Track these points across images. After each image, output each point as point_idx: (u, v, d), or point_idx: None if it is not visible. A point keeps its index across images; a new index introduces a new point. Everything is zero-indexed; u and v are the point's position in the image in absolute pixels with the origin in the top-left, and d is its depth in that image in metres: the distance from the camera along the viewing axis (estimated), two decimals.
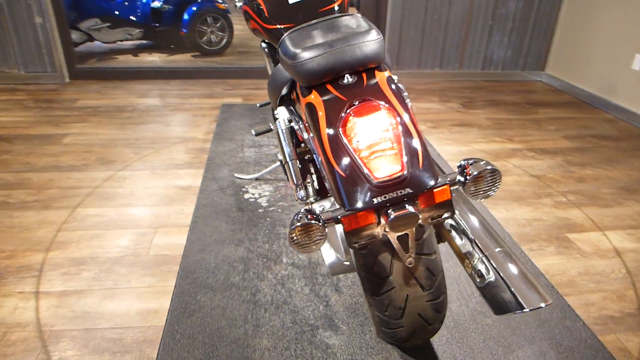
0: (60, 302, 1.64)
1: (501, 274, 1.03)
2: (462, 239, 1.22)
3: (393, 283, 0.99)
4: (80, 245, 1.95)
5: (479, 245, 1.17)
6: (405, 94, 0.97)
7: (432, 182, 0.84)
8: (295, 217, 0.81)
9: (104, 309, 1.61)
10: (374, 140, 0.84)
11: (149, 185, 2.46)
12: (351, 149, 0.84)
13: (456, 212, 0.96)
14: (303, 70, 0.95)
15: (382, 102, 0.89)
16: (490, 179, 0.89)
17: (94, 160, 2.74)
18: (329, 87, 0.96)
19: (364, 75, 0.99)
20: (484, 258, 1.12)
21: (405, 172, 0.83)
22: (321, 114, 0.88)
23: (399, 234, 0.87)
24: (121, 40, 5.34)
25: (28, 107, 3.57)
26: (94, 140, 3.03)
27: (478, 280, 1.08)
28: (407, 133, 0.87)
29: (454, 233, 1.26)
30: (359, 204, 0.82)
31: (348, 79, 0.98)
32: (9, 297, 1.67)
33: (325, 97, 0.94)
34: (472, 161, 0.88)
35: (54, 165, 2.67)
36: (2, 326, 1.53)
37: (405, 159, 0.84)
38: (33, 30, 3.94)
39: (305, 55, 0.94)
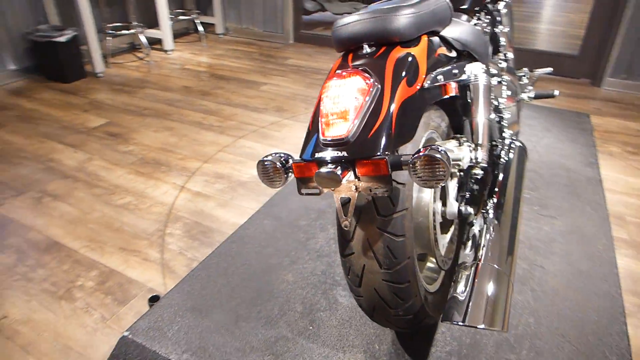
0: (192, 197, 2.18)
1: (474, 287, 0.98)
2: (469, 242, 1.15)
3: (353, 248, 1.04)
4: (226, 165, 2.49)
5: (474, 252, 1.10)
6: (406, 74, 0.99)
7: (368, 153, 0.87)
8: (263, 158, 0.95)
9: (214, 212, 2.07)
10: (337, 103, 0.91)
11: (299, 135, 2.85)
12: (319, 108, 0.94)
13: (392, 191, 0.91)
14: (333, 37, 1.07)
15: (366, 73, 0.94)
16: (430, 168, 0.85)
17: (272, 107, 3.30)
18: (349, 55, 1.05)
19: (383, 48, 1.04)
20: (471, 267, 1.06)
21: (348, 137, 0.88)
22: (329, 77, 0.99)
23: (342, 195, 0.93)
24: (348, 13, 5.90)
25: (253, 59, 4.43)
26: (281, 91, 3.61)
27: (452, 284, 1.04)
28: (373, 105, 0.91)
29: (470, 233, 1.19)
30: (304, 156, 0.91)
31: (366, 49, 1.05)
32: (166, 183, 2.30)
33: (340, 63, 1.03)
34: (432, 146, 0.86)
35: (244, 104, 3.33)
36: (152, 200, 2.16)
37: (354, 125, 0.88)
38: None
39: (338, 22, 1.05)
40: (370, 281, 1.03)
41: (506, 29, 1.96)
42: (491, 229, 1.16)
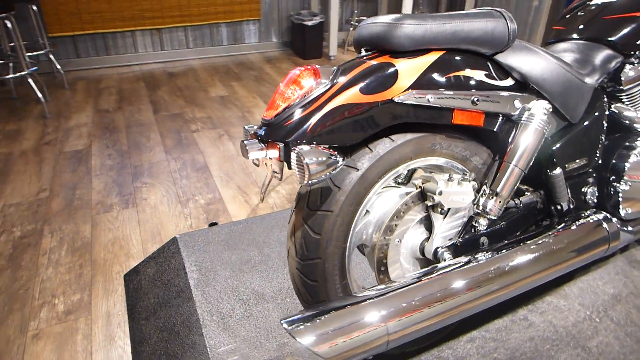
0: None
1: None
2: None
3: (289, 228, 1.11)
4: None
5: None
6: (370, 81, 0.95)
7: (274, 137, 0.93)
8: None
9: None
10: (282, 91, 0.99)
11: None
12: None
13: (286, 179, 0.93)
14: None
15: (320, 72, 0.97)
16: (299, 166, 0.83)
17: None
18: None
19: (375, 54, 1.03)
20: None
21: (271, 120, 0.95)
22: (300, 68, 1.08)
23: (270, 171, 1.02)
24: None
25: None
26: None
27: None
28: (309, 100, 0.93)
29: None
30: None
31: (363, 52, 1.06)
32: None
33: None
34: (316, 148, 0.88)
35: None
36: None
37: (278, 112, 0.94)
38: (527, 11, 4.42)
39: (361, 22, 1.11)
40: (291, 265, 1.10)
41: None
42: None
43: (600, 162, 1.39)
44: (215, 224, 1.94)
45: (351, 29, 4.75)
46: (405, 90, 0.98)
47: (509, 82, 1.11)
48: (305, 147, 0.89)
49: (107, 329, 1.53)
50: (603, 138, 1.34)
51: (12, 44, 3.43)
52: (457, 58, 1.05)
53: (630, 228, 1.40)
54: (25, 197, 2.23)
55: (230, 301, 1.47)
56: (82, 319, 1.56)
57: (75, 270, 1.78)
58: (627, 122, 1.41)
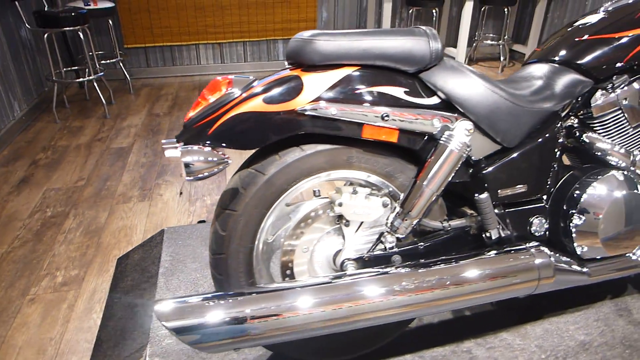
0: None
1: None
2: None
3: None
4: None
5: None
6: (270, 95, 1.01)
7: (181, 137, 1.00)
8: None
9: None
10: (203, 97, 1.08)
11: None
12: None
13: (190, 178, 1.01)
14: None
15: (236, 81, 1.04)
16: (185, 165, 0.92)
17: None
18: None
19: (291, 68, 1.09)
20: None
21: (186, 122, 1.05)
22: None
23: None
24: None
25: None
26: None
27: None
28: (217, 106, 1.00)
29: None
30: None
31: (285, 64, 1.13)
32: None
33: None
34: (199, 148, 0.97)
35: None
36: None
37: (193, 115, 1.02)
38: None
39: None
40: (209, 257, 1.18)
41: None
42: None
43: (554, 192, 1.29)
44: (204, 221, 2.08)
45: None
46: (311, 102, 1.03)
47: (434, 100, 1.10)
48: (191, 147, 0.98)
49: (89, 302, 1.72)
50: (555, 166, 1.25)
51: (90, 53, 3.97)
52: (372, 74, 1.07)
53: (585, 269, 1.27)
54: (65, 183, 2.56)
55: (187, 291, 1.59)
56: (72, 292, 1.77)
57: (82, 249, 2.02)
58: (596, 152, 1.29)
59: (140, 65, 4.41)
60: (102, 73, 3.52)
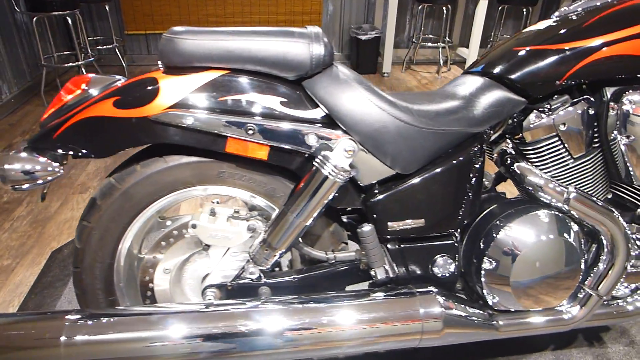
0: None
1: None
2: None
3: None
4: None
5: None
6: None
7: (30, 142, 0.93)
8: None
9: None
10: (60, 96, 0.98)
11: None
12: None
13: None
14: None
15: (95, 80, 0.95)
16: None
17: None
18: None
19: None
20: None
21: (41, 122, 0.96)
22: None
23: None
24: None
25: None
26: None
27: None
28: (68, 106, 0.92)
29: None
30: None
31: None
32: None
33: None
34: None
35: None
36: None
37: (46, 116, 0.94)
38: None
39: None
40: None
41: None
42: None
43: (470, 228, 1.11)
44: None
45: (414, 47, 4.53)
46: (165, 109, 0.92)
47: (316, 114, 0.96)
48: (18, 154, 0.89)
49: (10, 294, 1.68)
50: (470, 198, 1.06)
51: (90, 38, 3.98)
52: (241, 80, 0.94)
53: (493, 322, 1.08)
54: None
55: None
56: None
57: (22, 239, 1.99)
58: (525, 185, 1.11)
59: (142, 52, 4.40)
60: (92, 58, 3.52)
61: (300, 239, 1.08)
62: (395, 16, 4.07)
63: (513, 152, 1.14)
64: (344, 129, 0.96)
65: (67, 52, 3.86)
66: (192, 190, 1.03)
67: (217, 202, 1.14)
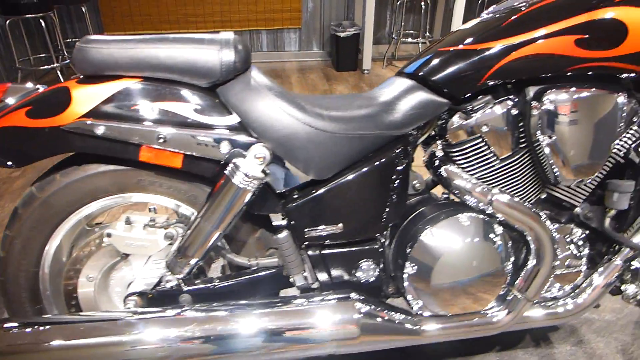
0: None
1: None
2: None
3: None
4: None
5: None
6: None
7: None
8: None
9: None
10: None
11: None
12: None
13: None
14: None
15: (12, 89, 0.95)
16: None
17: None
18: None
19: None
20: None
21: None
22: None
23: None
24: None
25: None
26: None
27: None
28: None
29: None
30: None
31: None
32: None
33: None
34: None
35: None
36: None
37: None
38: None
39: None
40: None
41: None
42: None
43: (397, 233, 1.12)
44: None
45: (394, 43, 4.52)
46: (77, 119, 0.93)
47: (232, 121, 0.97)
48: None
49: None
50: (395, 202, 1.06)
51: (68, 40, 3.98)
52: (153, 88, 0.95)
53: (416, 327, 1.08)
54: (0, 174, 2.57)
55: None
56: None
57: None
58: (452, 189, 1.10)
59: None
60: (68, 61, 3.52)
61: (226, 245, 1.09)
62: (374, 12, 4.05)
63: (441, 155, 1.14)
64: (256, 136, 0.96)
65: (44, 55, 3.86)
66: (114, 198, 1.03)
67: (154, 210, 1.16)
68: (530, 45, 0.97)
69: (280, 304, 0.99)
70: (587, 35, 0.96)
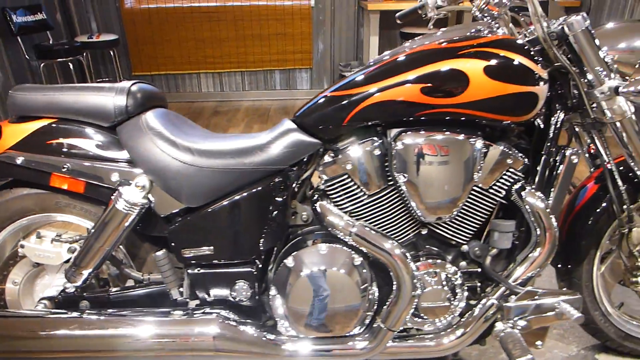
0: None
1: None
2: None
3: None
4: None
5: None
6: None
7: None
8: None
9: None
10: None
11: None
12: None
13: None
14: None
15: None
16: None
17: None
18: None
19: None
20: None
21: None
22: None
23: None
24: None
25: None
26: None
27: None
28: None
29: None
30: None
31: None
32: None
33: None
34: None
35: None
36: None
37: None
38: None
39: None
40: None
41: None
42: None
43: (274, 257, 1.23)
44: None
45: None
46: (5, 150, 1.15)
47: (124, 155, 1.16)
48: None
49: None
50: (267, 229, 1.18)
51: (99, 80, 4.45)
52: (65, 127, 1.16)
53: (284, 347, 1.18)
54: None
55: None
56: None
57: None
58: (323, 222, 1.18)
59: None
60: None
61: (129, 260, 1.26)
62: (377, 53, 4.24)
63: (320, 191, 1.23)
64: (141, 168, 1.14)
65: None
66: (39, 217, 1.24)
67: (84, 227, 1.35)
68: (382, 93, 1.09)
69: (152, 315, 1.14)
70: (430, 85, 1.06)
